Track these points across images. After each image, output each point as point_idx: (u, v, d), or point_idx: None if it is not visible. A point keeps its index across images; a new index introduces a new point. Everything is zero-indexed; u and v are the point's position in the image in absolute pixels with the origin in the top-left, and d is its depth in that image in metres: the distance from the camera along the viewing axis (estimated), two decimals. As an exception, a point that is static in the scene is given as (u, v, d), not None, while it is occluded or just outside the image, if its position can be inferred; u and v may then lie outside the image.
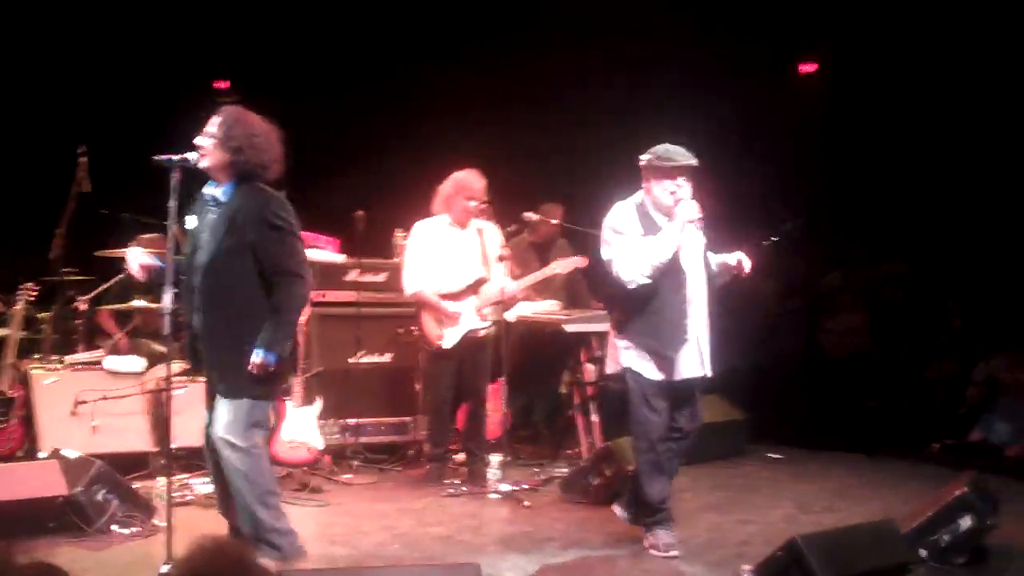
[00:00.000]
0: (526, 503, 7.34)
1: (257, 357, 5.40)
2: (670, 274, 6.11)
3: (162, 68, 10.90)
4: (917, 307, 11.09)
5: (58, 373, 8.10)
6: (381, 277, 8.98)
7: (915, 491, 7.68)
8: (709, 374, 6.29)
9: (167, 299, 5.35)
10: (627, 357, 6.23)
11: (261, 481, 5.61)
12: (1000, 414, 9.24)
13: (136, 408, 8.03)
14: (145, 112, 10.45)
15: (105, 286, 8.79)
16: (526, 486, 7.76)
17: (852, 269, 11.87)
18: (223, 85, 11.53)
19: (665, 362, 6.14)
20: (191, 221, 5.73)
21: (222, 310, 5.51)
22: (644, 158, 6.22)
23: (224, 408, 5.57)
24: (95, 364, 8.26)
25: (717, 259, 6.40)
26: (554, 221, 9.04)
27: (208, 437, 5.67)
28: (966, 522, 5.84)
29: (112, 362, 8.24)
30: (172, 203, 5.41)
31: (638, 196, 6.28)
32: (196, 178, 5.68)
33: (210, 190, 5.66)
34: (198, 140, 5.54)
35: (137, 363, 8.31)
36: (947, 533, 5.82)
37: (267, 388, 5.64)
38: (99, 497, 6.40)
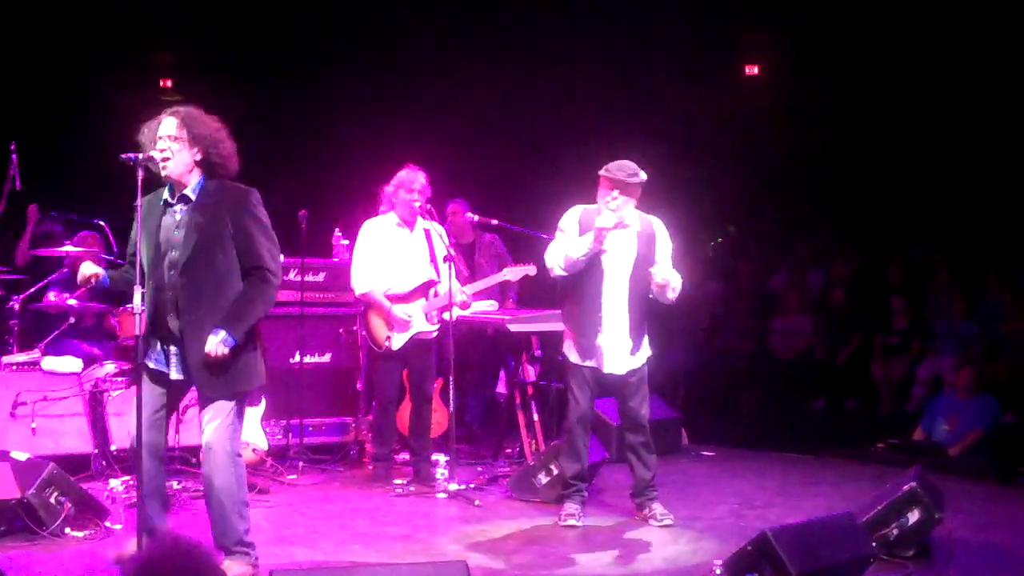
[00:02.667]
0: (476, 502, 7.38)
1: (217, 336, 5.32)
2: (589, 272, 6.79)
3: (103, 65, 10.75)
4: (864, 307, 11.31)
5: (-6, 374, 7.94)
6: (320, 277, 8.96)
7: (855, 488, 7.91)
8: (617, 372, 6.89)
9: (137, 299, 5.27)
10: (565, 343, 7.05)
11: (241, 491, 5.57)
12: (943, 413, 9.39)
13: (75, 409, 7.93)
14: (82, 111, 10.31)
15: (40, 285, 8.69)
16: (472, 485, 7.81)
17: (799, 270, 12.11)
18: (167, 83, 11.43)
19: (582, 349, 6.90)
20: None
21: (207, 306, 5.40)
22: (602, 170, 6.81)
23: (213, 412, 5.48)
24: (32, 364, 8.11)
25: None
26: (474, 217, 8.97)
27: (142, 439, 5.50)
28: (914, 516, 6.02)
29: (50, 363, 8.11)
30: (138, 201, 5.36)
31: (592, 205, 6.88)
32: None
33: (169, 193, 5.57)
34: (160, 144, 5.45)
35: (74, 363, 8.19)
36: (896, 527, 6.00)
37: (246, 391, 5.61)
38: (52, 500, 6.32)
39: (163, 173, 5.46)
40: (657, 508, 6.97)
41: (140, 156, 5.40)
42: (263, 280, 5.49)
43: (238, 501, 5.54)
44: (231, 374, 5.45)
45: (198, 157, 5.49)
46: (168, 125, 5.48)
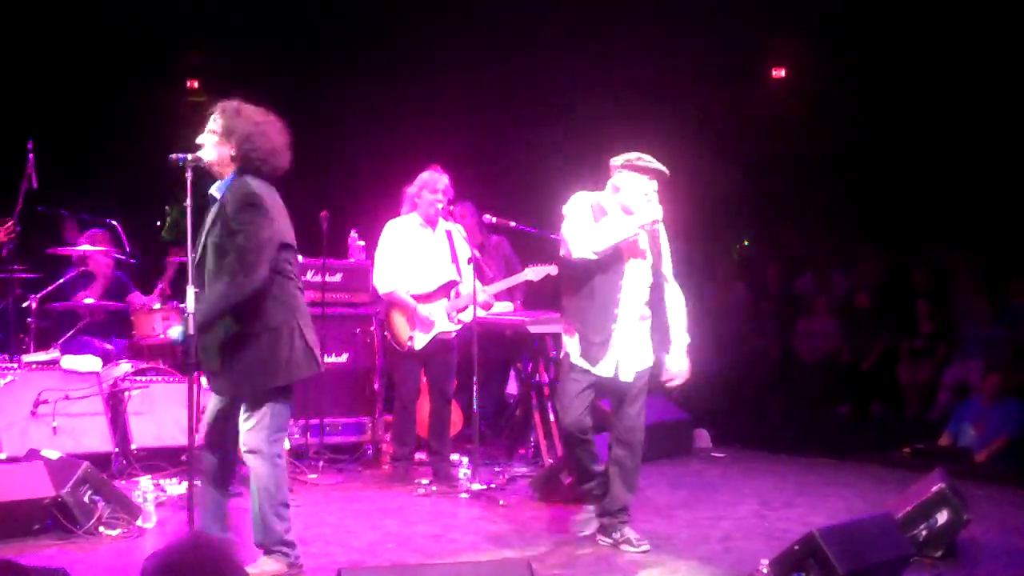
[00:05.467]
0: (502, 503, 7.42)
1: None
2: (609, 266, 6.35)
3: (130, 65, 10.71)
4: (890, 311, 11.32)
5: (13, 373, 7.90)
6: (337, 277, 8.99)
7: (874, 491, 8.01)
8: (626, 379, 6.38)
9: (190, 299, 5.28)
10: (566, 342, 6.47)
11: (280, 492, 5.56)
12: (970, 419, 9.39)
13: (95, 408, 7.92)
14: (108, 111, 10.27)
15: (55, 284, 8.70)
16: (494, 485, 7.84)
17: (824, 273, 12.14)
18: (193, 84, 11.40)
19: (591, 350, 6.33)
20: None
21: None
22: (622, 158, 6.48)
23: (246, 414, 5.51)
24: (51, 363, 8.09)
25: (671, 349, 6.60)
26: (492, 218, 8.93)
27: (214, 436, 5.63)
28: (943, 516, 6.11)
29: (70, 361, 8.09)
30: (188, 201, 5.35)
31: (599, 193, 6.53)
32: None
33: (213, 188, 5.58)
34: (200, 138, 5.48)
35: (94, 362, 8.19)
36: (925, 527, 6.08)
37: (283, 390, 5.54)
38: (86, 498, 6.31)
39: (202, 163, 5.47)
40: (630, 533, 6.40)
41: (188, 156, 5.40)
42: (229, 281, 5.36)
43: (276, 502, 5.54)
44: (238, 368, 5.43)
45: (232, 152, 5.48)
46: (211, 118, 5.51)
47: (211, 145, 5.49)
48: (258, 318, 5.46)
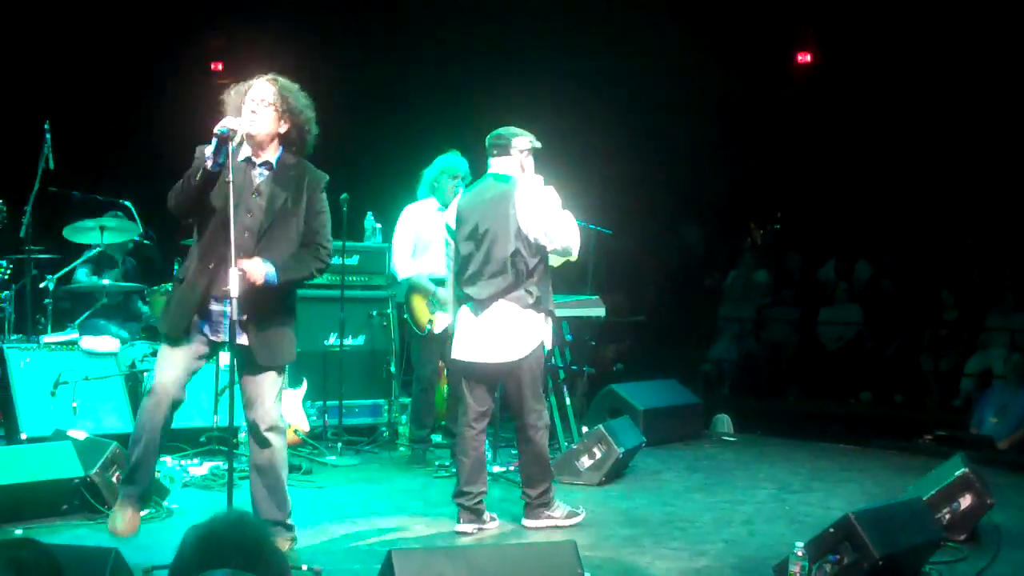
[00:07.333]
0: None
1: (265, 264, 5.29)
2: None
3: (155, 47, 10.68)
4: (912, 298, 11.36)
5: (33, 353, 7.88)
6: (354, 260, 8.99)
7: (887, 475, 8.12)
8: None
9: (234, 281, 5.21)
10: (542, 331, 6.38)
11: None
12: (993, 406, 9.43)
13: (113, 388, 7.92)
14: (133, 92, 10.24)
15: (74, 264, 8.70)
16: (513, 468, 7.87)
17: (847, 260, 12.16)
18: (217, 67, 11.36)
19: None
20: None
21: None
22: (528, 141, 6.44)
23: (268, 388, 5.50)
24: (70, 344, 8.08)
25: None
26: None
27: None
28: (966, 500, 6.17)
29: (89, 342, 8.08)
30: (229, 177, 5.27)
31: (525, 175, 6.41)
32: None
33: (246, 153, 5.48)
34: (251, 106, 5.41)
35: (113, 343, 8.18)
36: (948, 511, 6.14)
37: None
38: (115, 479, 6.30)
39: (248, 131, 5.41)
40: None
41: (229, 127, 5.30)
42: (319, 255, 5.52)
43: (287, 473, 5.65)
44: (284, 343, 5.50)
45: (283, 129, 5.48)
46: (264, 90, 5.45)
47: (269, 117, 5.44)
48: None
